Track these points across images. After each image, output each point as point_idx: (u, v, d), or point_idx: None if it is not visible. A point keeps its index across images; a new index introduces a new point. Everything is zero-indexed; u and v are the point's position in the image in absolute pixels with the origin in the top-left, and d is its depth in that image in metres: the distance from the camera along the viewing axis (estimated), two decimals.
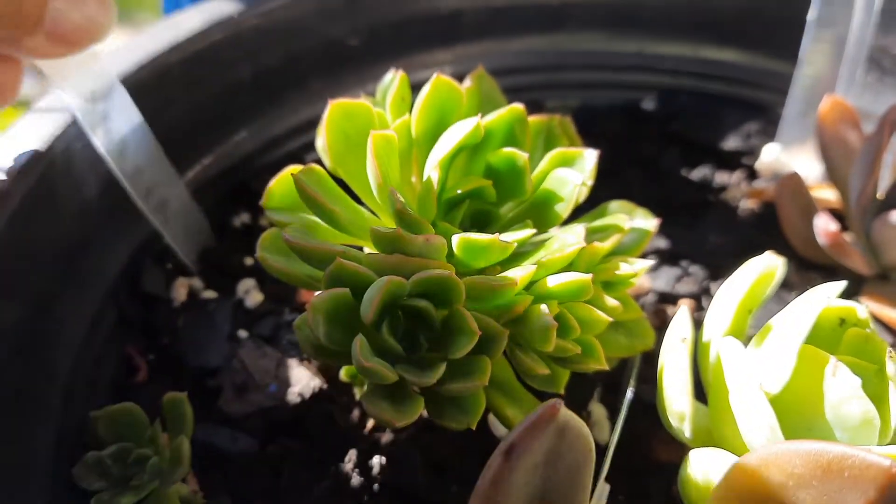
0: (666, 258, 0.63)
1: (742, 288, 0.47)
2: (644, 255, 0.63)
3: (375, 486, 0.47)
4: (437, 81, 0.49)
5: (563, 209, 0.47)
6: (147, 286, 0.53)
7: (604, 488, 0.38)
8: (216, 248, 0.57)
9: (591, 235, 0.47)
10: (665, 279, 0.61)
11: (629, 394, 0.43)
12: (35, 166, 0.45)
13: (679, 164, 0.72)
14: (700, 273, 0.62)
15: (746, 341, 0.49)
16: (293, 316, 0.53)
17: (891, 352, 0.43)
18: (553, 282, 0.42)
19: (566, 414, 0.32)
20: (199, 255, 0.56)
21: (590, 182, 0.48)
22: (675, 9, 0.73)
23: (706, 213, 0.68)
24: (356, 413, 0.50)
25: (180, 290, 0.54)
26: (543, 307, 0.41)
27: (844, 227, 0.63)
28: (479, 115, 0.49)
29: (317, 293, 0.42)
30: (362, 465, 0.48)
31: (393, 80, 0.51)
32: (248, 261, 0.57)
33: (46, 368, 0.45)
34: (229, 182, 0.61)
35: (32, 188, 0.45)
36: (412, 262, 0.41)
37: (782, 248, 0.63)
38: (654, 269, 0.62)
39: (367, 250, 0.50)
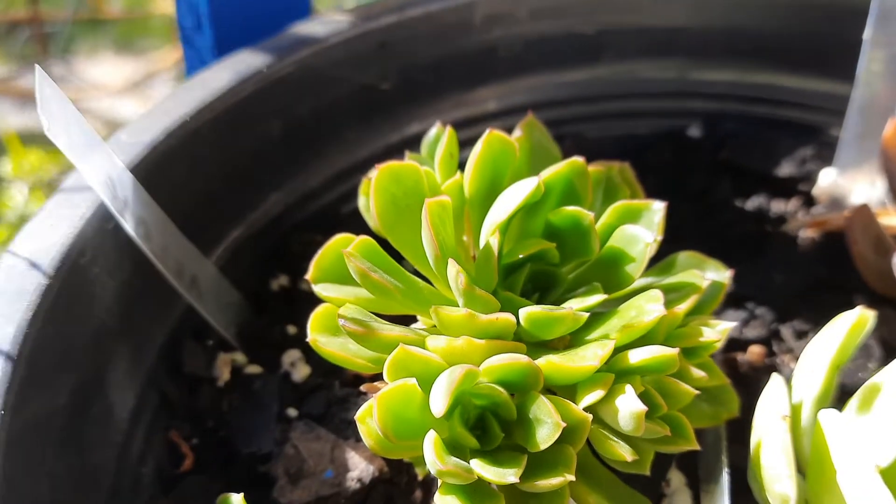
0: (730, 300, 0.59)
1: (833, 346, 0.43)
2: None
3: None
4: (490, 137, 0.45)
5: (635, 270, 0.44)
6: (188, 366, 0.50)
7: None
8: (256, 318, 0.54)
9: (666, 295, 0.43)
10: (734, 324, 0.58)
11: (725, 475, 0.40)
12: (68, 254, 0.42)
13: (732, 194, 0.68)
14: (767, 315, 0.58)
15: (834, 399, 0.46)
16: (344, 391, 0.50)
17: None
18: (636, 357, 0.39)
19: None
20: (239, 327, 0.53)
21: (660, 237, 0.45)
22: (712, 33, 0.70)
23: (765, 247, 0.64)
24: (418, 493, 0.47)
25: (223, 369, 0.51)
26: (628, 388, 0.38)
27: None
28: (533, 168, 0.45)
29: (378, 384, 0.39)
30: None
31: (440, 136, 0.48)
32: (292, 329, 0.54)
33: (90, 470, 0.42)
34: (264, 243, 0.58)
35: (66, 279, 0.42)
36: (483, 347, 0.38)
37: (853, 283, 0.60)
38: (718, 313, 0.59)
39: (421, 318, 0.47)
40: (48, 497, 0.39)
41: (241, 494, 0.40)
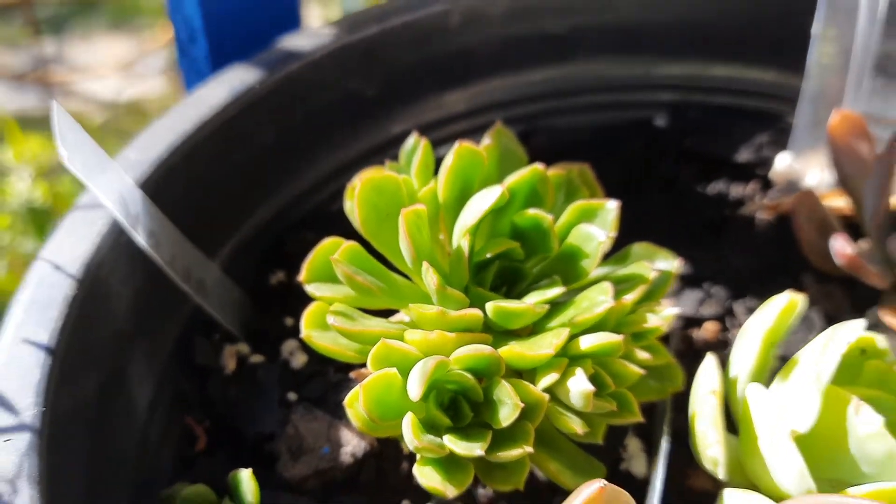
0: (688, 281, 0.65)
1: (764, 327, 0.49)
2: None
3: None
4: (460, 149, 0.51)
5: (589, 265, 0.49)
6: (198, 359, 0.56)
7: None
8: (257, 312, 0.60)
9: (618, 286, 0.49)
10: (689, 303, 0.63)
11: (664, 443, 0.46)
12: (89, 267, 0.48)
13: (695, 180, 0.73)
14: (722, 294, 0.64)
15: (771, 374, 0.52)
16: (338, 377, 0.56)
17: None
18: (586, 343, 0.45)
19: (612, 491, 0.35)
20: (242, 321, 0.59)
21: (613, 234, 0.51)
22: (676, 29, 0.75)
23: (725, 231, 0.69)
24: (405, 465, 0.53)
25: (229, 359, 0.57)
26: (579, 371, 0.44)
27: (860, 235, 0.65)
28: (502, 172, 0.51)
29: (364, 371, 0.45)
30: None
31: (416, 147, 0.53)
32: (289, 321, 0.60)
33: (117, 455, 0.48)
34: (263, 243, 0.64)
35: (88, 289, 0.48)
36: (453, 340, 0.44)
37: (801, 262, 0.65)
38: (677, 293, 0.64)
39: (403, 311, 0.53)
40: (83, 478, 0.45)
41: (250, 470, 0.46)
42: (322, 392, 0.56)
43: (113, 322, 0.50)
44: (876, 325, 0.61)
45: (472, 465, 0.44)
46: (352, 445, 0.52)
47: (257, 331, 0.59)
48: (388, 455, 0.53)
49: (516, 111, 0.76)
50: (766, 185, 0.73)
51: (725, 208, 0.72)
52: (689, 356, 0.58)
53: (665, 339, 0.55)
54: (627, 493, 0.36)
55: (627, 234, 0.55)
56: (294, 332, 0.59)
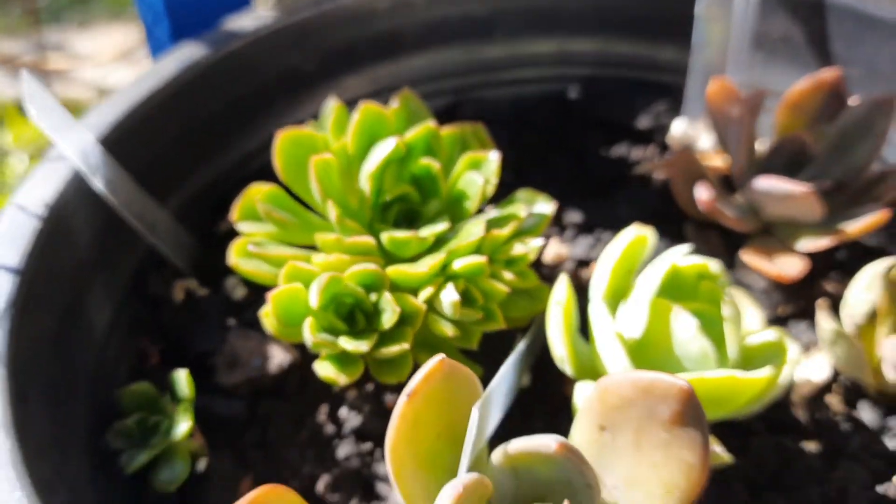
0: (583, 229, 0.75)
1: (615, 255, 0.59)
2: (563, 229, 0.75)
3: (343, 430, 0.60)
4: (365, 109, 0.61)
5: (472, 205, 0.59)
6: (151, 290, 0.66)
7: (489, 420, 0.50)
8: (206, 252, 0.70)
9: (496, 224, 0.59)
10: (582, 247, 0.73)
11: (521, 344, 0.56)
12: (54, 207, 0.58)
13: (600, 145, 0.83)
14: (611, 239, 0.74)
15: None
16: None
17: (726, 298, 0.55)
18: (458, 265, 0.55)
19: (451, 364, 0.45)
20: (192, 260, 0.69)
21: (494, 180, 0.60)
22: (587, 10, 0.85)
23: (622, 188, 0.79)
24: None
25: (179, 292, 0.67)
26: (450, 286, 0.54)
27: (735, 189, 0.75)
28: (404, 132, 0.61)
29: (275, 288, 0.54)
30: (333, 416, 0.61)
31: (332, 108, 0.63)
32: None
33: (78, 365, 0.58)
34: (213, 196, 0.74)
35: (53, 225, 0.58)
36: (347, 261, 0.54)
37: (685, 214, 0.75)
38: (573, 239, 0.74)
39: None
40: (46, 382, 0.55)
41: (186, 370, 0.56)
42: (256, 318, 0.66)
43: (76, 254, 0.60)
44: (741, 266, 0.71)
45: (362, 360, 0.54)
46: (279, 358, 0.62)
47: (204, 268, 0.69)
48: (308, 367, 0.63)
49: (444, 85, 0.86)
50: (665, 148, 0.83)
51: (624, 168, 0.81)
52: (582, 292, 0.68)
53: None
54: (468, 369, 0.46)
55: (539, 188, 0.65)
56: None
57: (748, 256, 0.69)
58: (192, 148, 0.72)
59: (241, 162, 0.76)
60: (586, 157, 0.83)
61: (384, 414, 0.60)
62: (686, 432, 0.45)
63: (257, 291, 0.68)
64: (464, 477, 0.43)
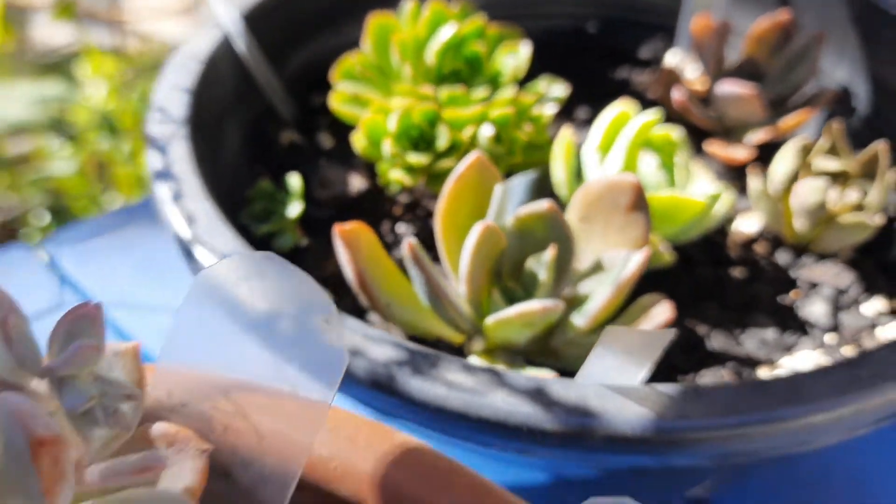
0: (589, 123, 0.98)
1: (605, 121, 0.82)
2: (574, 122, 0.98)
3: (399, 239, 0.83)
4: (433, 7, 0.84)
5: (505, 80, 0.83)
6: (267, 133, 0.90)
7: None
8: (304, 114, 0.94)
9: (524, 94, 0.82)
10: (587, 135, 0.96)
11: (532, 173, 0.79)
12: (210, 56, 0.82)
13: (608, 67, 1.06)
14: None
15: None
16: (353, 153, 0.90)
17: (679, 152, 0.78)
18: (493, 113, 0.78)
19: (484, 160, 0.68)
20: (294, 118, 0.93)
21: (524, 66, 0.84)
22: None
23: (622, 98, 1.02)
24: (394, 200, 0.87)
25: (285, 138, 0.91)
26: (486, 125, 0.77)
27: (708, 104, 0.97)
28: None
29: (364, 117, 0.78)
30: (392, 230, 0.85)
31: (409, 5, 0.87)
32: (325, 122, 0.94)
33: (221, 172, 0.83)
34: (313, 75, 0.98)
35: (208, 68, 0.82)
36: (416, 104, 0.77)
37: (671, 119, 0.98)
38: (580, 129, 0.97)
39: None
40: (207, 176, 0.79)
41: (298, 173, 0.80)
42: (341, 157, 0.89)
43: (222, 92, 0.84)
44: (704, 157, 0.94)
45: (425, 176, 0.78)
46: (357, 184, 0.86)
47: (304, 124, 0.93)
48: (382, 194, 0.87)
49: (493, 13, 1.09)
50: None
51: (626, 85, 1.04)
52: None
53: None
54: (495, 167, 0.69)
55: None
56: (328, 127, 0.93)
57: (709, 146, 0.91)
58: (300, 33, 0.96)
59: (336, 50, 1.00)
60: (596, 75, 1.06)
61: (429, 231, 0.84)
62: (636, 216, 0.68)
63: (341, 141, 0.92)
64: (486, 220, 0.66)
